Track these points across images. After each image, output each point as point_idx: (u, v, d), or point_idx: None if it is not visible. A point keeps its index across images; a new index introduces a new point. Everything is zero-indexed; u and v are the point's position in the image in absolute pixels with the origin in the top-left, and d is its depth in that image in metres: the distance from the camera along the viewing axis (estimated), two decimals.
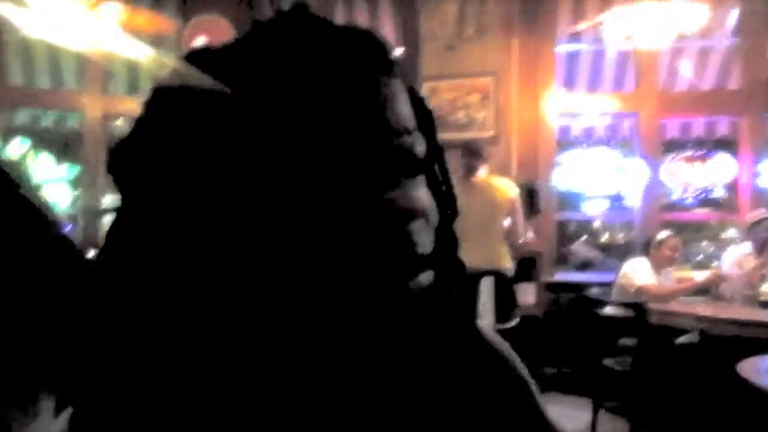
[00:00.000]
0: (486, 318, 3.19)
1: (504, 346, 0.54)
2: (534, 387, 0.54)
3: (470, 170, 3.40)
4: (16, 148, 4.67)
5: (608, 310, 3.52)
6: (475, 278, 3.33)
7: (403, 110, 0.43)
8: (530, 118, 4.48)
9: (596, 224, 6.14)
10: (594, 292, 3.94)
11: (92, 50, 3.84)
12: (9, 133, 4.71)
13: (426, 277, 0.42)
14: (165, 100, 0.42)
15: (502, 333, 2.46)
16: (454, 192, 0.49)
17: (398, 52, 4.63)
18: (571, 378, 3.93)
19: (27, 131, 4.97)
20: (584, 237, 6.05)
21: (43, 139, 4.99)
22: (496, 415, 0.49)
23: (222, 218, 0.39)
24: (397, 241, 0.40)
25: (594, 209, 5.11)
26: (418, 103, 0.46)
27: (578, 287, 4.14)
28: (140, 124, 0.42)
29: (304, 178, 0.39)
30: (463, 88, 4.36)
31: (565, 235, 5.44)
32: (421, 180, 0.44)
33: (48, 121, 5.13)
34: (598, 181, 4.87)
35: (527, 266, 4.08)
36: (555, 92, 4.56)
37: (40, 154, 4.82)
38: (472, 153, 3.42)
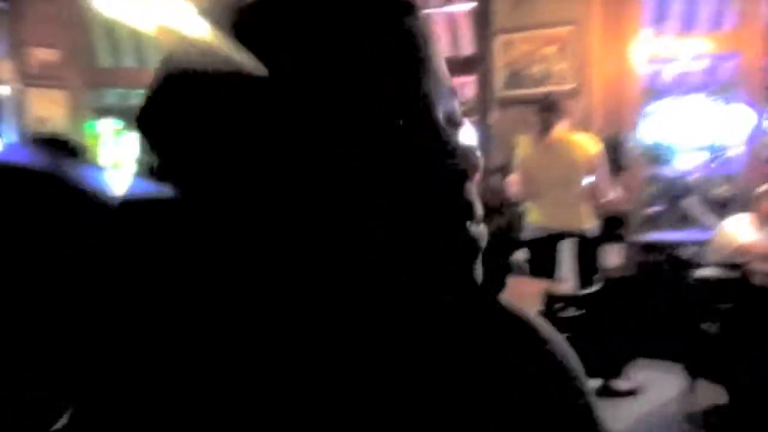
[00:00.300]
0: (567, 282, 3.06)
1: (545, 327, 0.48)
2: (579, 371, 0.48)
3: (546, 127, 3.23)
4: (107, 127, 4.96)
5: (704, 272, 3.28)
6: (554, 240, 3.19)
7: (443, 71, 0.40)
8: (614, 66, 4.17)
9: (692, 179, 5.70)
10: (688, 252, 3.68)
11: (167, 31, 3.94)
12: (100, 113, 5.00)
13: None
14: (179, 70, 0.39)
15: (586, 297, 2.34)
16: None
17: (468, 5, 4.43)
18: (664, 343, 3.72)
19: (116, 111, 5.26)
20: (681, 193, 5.63)
21: (131, 118, 5.27)
22: (534, 402, 0.44)
23: (226, 205, 0.37)
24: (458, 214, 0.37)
25: (689, 162, 4.73)
26: None
27: (670, 247, 3.88)
28: (155, 90, 0.40)
29: (312, 167, 0.36)
30: (538, 40, 4.11)
31: (657, 191, 5.09)
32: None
33: (135, 100, 5.40)
34: (694, 132, 4.49)
35: (613, 226, 3.87)
36: (643, 36, 4.20)
37: (129, 133, 5.09)
38: (548, 108, 3.24)
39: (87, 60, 4.74)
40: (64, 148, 1.24)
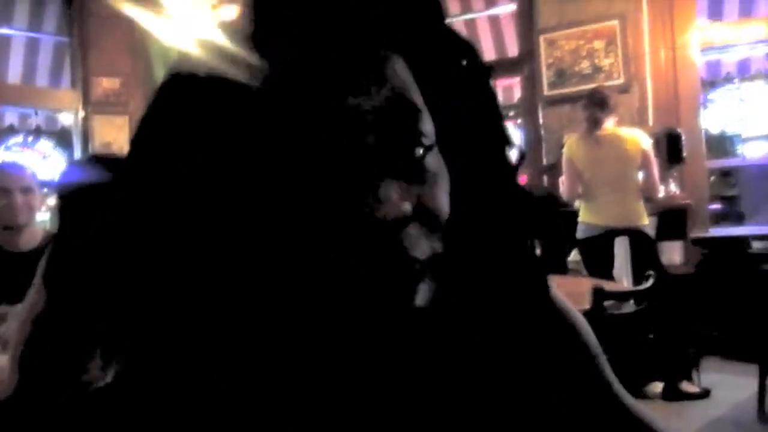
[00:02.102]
0: (622, 280, 2.96)
1: (576, 317, 0.48)
2: (605, 364, 0.48)
3: (595, 123, 3.14)
4: None
5: None
6: (608, 238, 3.10)
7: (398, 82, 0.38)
8: (667, 58, 4.02)
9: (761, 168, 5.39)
10: (757, 246, 3.48)
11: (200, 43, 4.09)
12: None
13: (423, 288, 0.37)
14: (179, 84, 0.40)
15: (637, 294, 2.26)
16: (510, 164, 0.43)
17: (511, 7, 4.40)
18: (734, 342, 3.53)
19: None
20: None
21: None
22: (559, 392, 0.44)
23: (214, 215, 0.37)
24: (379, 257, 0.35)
25: (753, 152, 4.49)
26: (457, 50, 0.42)
27: (737, 242, 3.68)
28: (154, 107, 0.41)
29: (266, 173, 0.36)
30: (585, 36, 4.02)
31: (721, 183, 4.86)
32: (428, 167, 0.38)
33: None
34: (758, 120, 4.27)
35: (673, 222, 3.71)
36: (697, 25, 4.04)
37: None
38: (597, 104, 3.15)
39: (147, 85, 4.99)
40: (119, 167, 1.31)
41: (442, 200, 0.38)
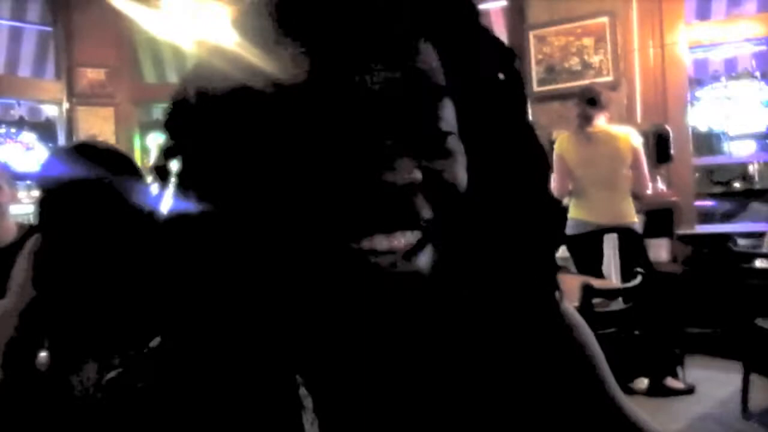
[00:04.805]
0: (611, 277, 2.97)
1: (578, 321, 0.48)
2: (606, 371, 0.48)
3: (587, 120, 3.15)
4: (154, 141, 5.13)
5: (761, 263, 3.13)
6: (598, 235, 3.11)
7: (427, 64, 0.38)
8: (655, 55, 4.04)
9: (750, 167, 5.45)
10: (743, 244, 3.52)
11: (203, 44, 4.06)
12: (146, 127, 5.18)
13: (427, 251, 0.38)
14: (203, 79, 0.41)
15: (626, 291, 2.27)
16: (537, 150, 0.45)
17: (501, 2, 4.39)
18: (719, 339, 3.57)
19: (161, 125, 5.42)
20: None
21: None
22: (560, 403, 0.44)
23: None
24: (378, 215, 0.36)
25: (740, 150, 4.53)
26: (487, 46, 0.42)
27: (722, 239, 3.72)
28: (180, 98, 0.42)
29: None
30: (574, 32, 4.03)
31: (707, 181, 4.90)
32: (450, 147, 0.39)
33: None
34: (744, 119, 4.30)
35: (660, 219, 3.74)
36: (685, 23, 4.06)
37: None
38: (588, 101, 3.16)
39: (133, 77, 4.92)
40: (107, 160, 1.28)
41: (460, 174, 0.39)
